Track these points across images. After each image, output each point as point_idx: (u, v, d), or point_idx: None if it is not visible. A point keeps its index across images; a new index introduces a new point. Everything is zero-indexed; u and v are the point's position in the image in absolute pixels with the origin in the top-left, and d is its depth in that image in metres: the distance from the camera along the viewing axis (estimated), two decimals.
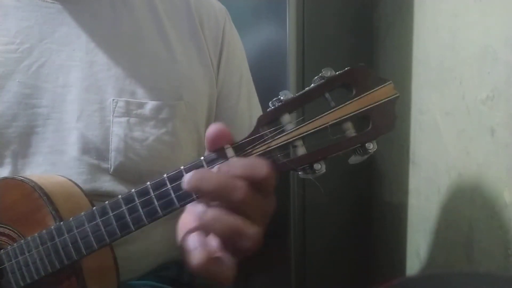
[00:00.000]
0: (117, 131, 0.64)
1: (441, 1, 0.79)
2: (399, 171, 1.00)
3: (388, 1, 1.06)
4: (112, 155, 0.64)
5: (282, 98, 0.43)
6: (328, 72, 0.43)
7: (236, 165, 0.43)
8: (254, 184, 0.43)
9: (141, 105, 0.66)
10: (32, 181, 0.56)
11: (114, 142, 0.64)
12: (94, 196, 0.61)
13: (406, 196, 0.97)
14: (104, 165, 0.65)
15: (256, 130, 0.44)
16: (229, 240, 0.44)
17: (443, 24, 0.78)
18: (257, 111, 0.79)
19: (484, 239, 0.67)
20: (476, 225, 0.69)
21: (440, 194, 0.81)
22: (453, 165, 0.76)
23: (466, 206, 0.72)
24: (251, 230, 0.43)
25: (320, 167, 0.44)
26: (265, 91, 0.84)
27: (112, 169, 0.65)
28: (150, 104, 0.67)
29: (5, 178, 0.58)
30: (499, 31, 0.62)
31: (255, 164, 0.43)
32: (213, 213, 0.43)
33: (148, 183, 0.47)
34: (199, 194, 0.44)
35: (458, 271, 0.70)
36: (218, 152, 0.45)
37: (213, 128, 0.44)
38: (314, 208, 1.02)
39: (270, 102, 0.44)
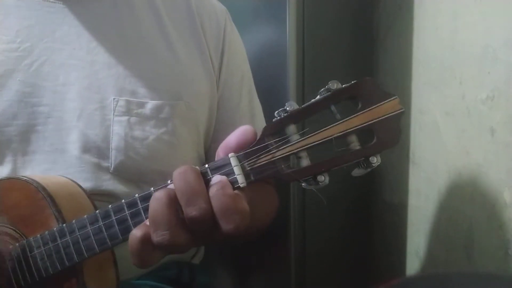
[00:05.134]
0: (117, 130, 0.65)
1: (441, 1, 0.79)
2: (399, 171, 1.00)
3: (388, 1, 1.06)
4: (113, 153, 0.65)
5: (288, 108, 0.44)
6: (334, 85, 0.43)
7: (219, 197, 0.43)
8: (218, 220, 0.43)
9: (141, 105, 0.66)
10: (36, 181, 0.56)
11: (115, 141, 0.65)
12: (94, 195, 0.62)
13: (406, 196, 0.97)
14: (105, 164, 0.65)
15: (261, 139, 0.44)
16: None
17: (443, 24, 0.78)
18: (259, 111, 0.79)
19: (484, 239, 0.67)
20: (476, 225, 0.69)
21: (440, 194, 0.81)
22: (453, 165, 0.76)
23: (466, 206, 0.72)
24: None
25: (323, 179, 0.44)
26: (265, 92, 0.84)
27: (112, 167, 0.65)
28: (151, 104, 0.67)
29: (9, 178, 0.58)
30: (499, 31, 0.62)
31: (230, 213, 0.43)
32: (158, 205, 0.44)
33: (152, 188, 0.47)
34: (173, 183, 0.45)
35: (458, 271, 0.69)
36: (223, 160, 0.45)
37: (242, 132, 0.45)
38: (314, 208, 1.02)
39: (276, 113, 0.44)
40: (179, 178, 0.44)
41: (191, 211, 0.43)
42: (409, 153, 0.94)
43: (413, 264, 0.95)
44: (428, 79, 0.85)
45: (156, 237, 0.44)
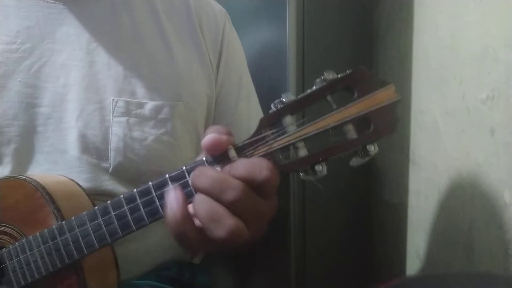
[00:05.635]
0: (116, 130, 0.65)
1: (441, 1, 0.79)
2: (399, 171, 1.00)
3: (388, 1, 1.06)
4: (112, 154, 0.65)
5: (284, 100, 0.44)
6: (330, 75, 0.44)
7: (237, 165, 0.44)
8: (253, 185, 0.43)
9: (140, 105, 0.66)
10: (34, 180, 0.56)
11: (114, 142, 0.65)
12: (94, 195, 0.62)
13: (406, 196, 0.97)
14: (104, 165, 0.65)
15: (258, 131, 0.44)
16: (208, 226, 0.44)
17: (443, 24, 0.78)
18: (257, 113, 0.79)
19: (484, 239, 0.67)
20: (476, 225, 0.69)
21: (440, 194, 0.81)
22: (453, 165, 0.76)
23: (466, 206, 0.72)
24: (231, 223, 0.43)
25: (321, 168, 0.44)
26: (265, 92, 0.84)
27: (111, 168, 0.65)
28: (150, 104, 0.67)
29: (8, 178, 0.58)
30: (499, 31, 0.62)
31: (256, 166, 0.43)
32: (200, 197, 0.44)
33: (150, 183, 0.47)
34: (196, 189, 0.44)
35: (458, 271, 0.70)
36: (221, 153, 0.45)
37: (211, 136, 0.44)
38: (314, 208, 1.02)
39: (272, 104, 0.45)
40: (202, 178, 0.44)
41: (229, 195, 0.43)
42: (409, 153, 0.94)
43: (413, 264, 0.95)
44: (428, 79, 0.85)
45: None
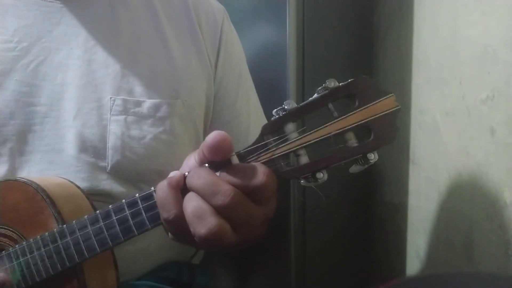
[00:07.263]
0: (114, 129, 0.65)
1: (441, 1, 0.79)
2: (399, 171, 1.00)
3: (388, 1, 1.06)
4: (109, 153, 0.65)
5: (286, 107, 0.45)
6: (331, 83, 0.44)
7: (232, 170, 0.44)
8: (247, 191, 0.43)
9: (138, 103, 0.66)
10: (34, 183, 0.56)
11: (111, 140, 0.64)
12: (92, 195, 0.62)
13: (406, 196, 0.97)
14: (102, 164, 0.65)
15: (260, 138, 0.45)
16: (192, 222, 0.44)
17: (443, 24, 0.78)
18: (256, 111, 0.79)
19: (484, 239, 0.67)
20: (476, 225, 0.69)
21: (440, 194, 0.81)
22: (453, 165, 0.76)
23: (466, 206, 0.72)
24: (214, 223, 0.43)
25: (322, 176, 0.45)
26: (265, 92, 0.84)
27: (109, 167, 0.65)
28: (148, 103, 0.67)
29: (7, 180, 0.58)
30: (499, 31, 0.62)
31: (252, 171, 0.43)
32: (190, 194, 0.45)
33: (152, 188, 0.47)
34: (189, 188, 0.45)
35: (458, 271, 0.69)
36: (223, 160, 0.45)
37: (214, 137, 0.44)
38: (314, 208, 1.02)
39: (274, 111, 0.45)
40: (195, 177, 0.45)
41: (218, 200, 0.43)
42: (409, 153, 0.94)
43: (413, 264, 0.95)
44: (428, 79, 0.85)
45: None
